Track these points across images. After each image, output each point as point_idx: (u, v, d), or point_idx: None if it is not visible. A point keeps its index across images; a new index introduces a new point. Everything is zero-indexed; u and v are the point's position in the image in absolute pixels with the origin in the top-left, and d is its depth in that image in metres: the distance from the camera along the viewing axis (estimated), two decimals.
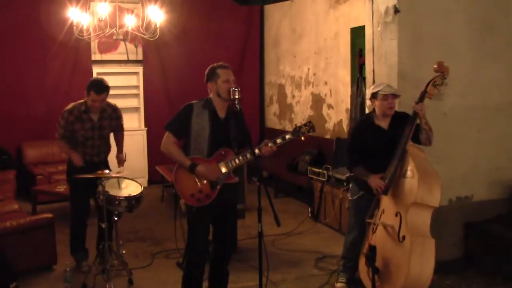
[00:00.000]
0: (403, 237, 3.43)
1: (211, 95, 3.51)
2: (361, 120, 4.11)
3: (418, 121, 3.65)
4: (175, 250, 5.07)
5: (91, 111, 4.60)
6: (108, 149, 4.85)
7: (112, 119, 4.77)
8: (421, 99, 3.63)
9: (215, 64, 3.51)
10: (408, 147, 3.57)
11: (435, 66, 3.62)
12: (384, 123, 3.89)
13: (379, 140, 3.83)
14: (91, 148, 4.66)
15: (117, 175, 4.43)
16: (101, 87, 4.53)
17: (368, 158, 3.85)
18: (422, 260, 3.38)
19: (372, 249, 3.49)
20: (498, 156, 4.84)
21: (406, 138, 3.55)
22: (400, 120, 3.80)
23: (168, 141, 3.48)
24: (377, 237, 3.66)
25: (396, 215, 3.52)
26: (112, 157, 4.90)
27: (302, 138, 3.45)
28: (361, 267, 3.79)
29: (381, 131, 3.88)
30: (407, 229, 3.42)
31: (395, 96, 3.85)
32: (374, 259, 3.48)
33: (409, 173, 3.49)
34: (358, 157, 3.91)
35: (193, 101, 3.52)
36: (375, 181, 3.69)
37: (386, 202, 3.67)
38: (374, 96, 3.85)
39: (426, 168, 3.52)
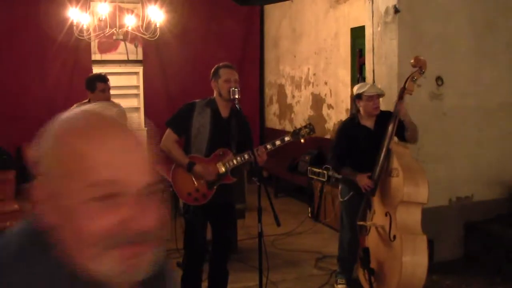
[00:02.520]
0: (394, 237, 3.42)
1: (215, 94, 3.52)
2: (346, 121, 4.11)
3: (402, 118, 3.62)
4: (175, 250, 5.06)
5: None
6: None
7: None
8: (400, 97, 3.59)
9: (220, 64, 3.52)
10: (392, 146, 3.55)
11: (412, 61, 3.59)
12: (370, 123, 3.91)
13: (366, 140, 3.84)
14: None
15: None
16: (102, 76, 4.74)
17: (356, 158, 3.85)
18: (414, 258, 3.37)
19: (366, 251, 3.49)
20: (498, 156, 4.85)
21: (389, 137, 3.54)
22: (385, 118, 3.79)
23: (168, 138, 3.46)
24: (370, 239, 3.65)
25: (386, 215, 3.51)
26: None
27: (302, 140, 3.44)
28: (359, 269, 3.79)
29: (367, 131, 3.90)
30: (397, 228, 3.41)
31: (379, 96, 3.88)
32: (368, 261, 3.47)
33: (394, 172, 3.47)
34: (344, 158, 3.91)
35: (196, 100, 3.52)
36: (362, 180, 3.69)
37: (376, 202, 3.66)
38: (359, 97, 3.87)
39: (410, 165, 3.50)
